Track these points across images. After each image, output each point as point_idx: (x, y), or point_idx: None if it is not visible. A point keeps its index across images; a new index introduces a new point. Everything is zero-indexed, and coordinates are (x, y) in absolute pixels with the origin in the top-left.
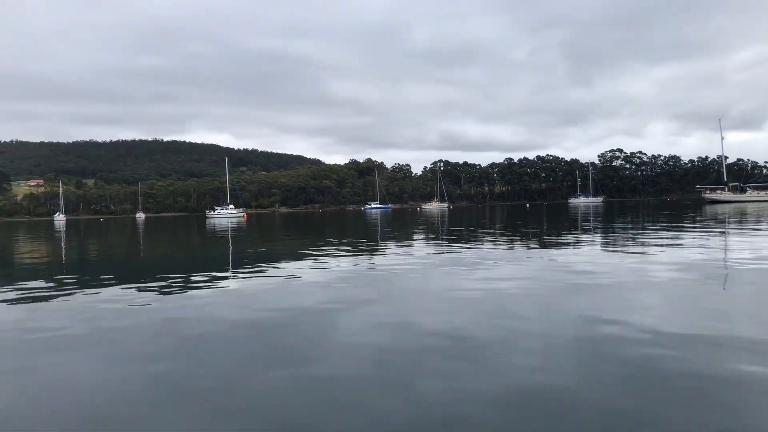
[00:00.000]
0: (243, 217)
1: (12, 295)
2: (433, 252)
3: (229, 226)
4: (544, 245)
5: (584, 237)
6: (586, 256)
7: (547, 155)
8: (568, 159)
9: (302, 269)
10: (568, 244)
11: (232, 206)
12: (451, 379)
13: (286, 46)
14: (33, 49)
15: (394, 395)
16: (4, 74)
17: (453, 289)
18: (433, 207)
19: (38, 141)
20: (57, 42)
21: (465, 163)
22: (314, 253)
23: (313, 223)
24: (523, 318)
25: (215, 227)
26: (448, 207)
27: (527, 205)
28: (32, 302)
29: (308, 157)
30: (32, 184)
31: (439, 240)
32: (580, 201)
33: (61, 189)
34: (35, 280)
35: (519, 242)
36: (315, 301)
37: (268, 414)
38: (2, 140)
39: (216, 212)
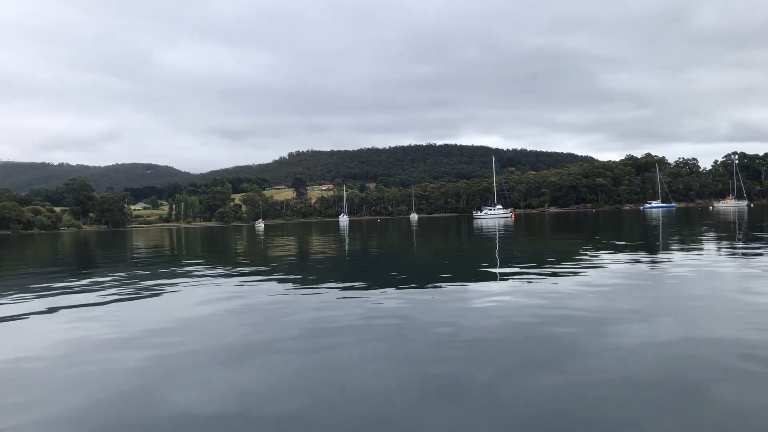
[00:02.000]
0: (510, 217)
1: (302, 285)
2: (732, 255)
3: (496, 226)
4: None
5: None
6: None
7: None
8: None
9: (573, 271)
10: None
11: (500, 206)
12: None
13: (558, 42)
14: (319, 66)
15: None
16: (297, 92)
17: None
18: (729, 205)
19: (329, 150)
20: (340, 59)
21: (766, 154)
22: (587, 254)
23: (586, 222)
24: None
25: (482, 227)
26: (748, 205)
27: None
28: (323, 293)
29: (579, 154)
30: (323, 188)
31: (747, 243)
32: None
33: (344, 192)
34: (323, 272)
35: None
36: (579, 308)
37: (542, 417)
38: (301, 150)
39: (483, 213)
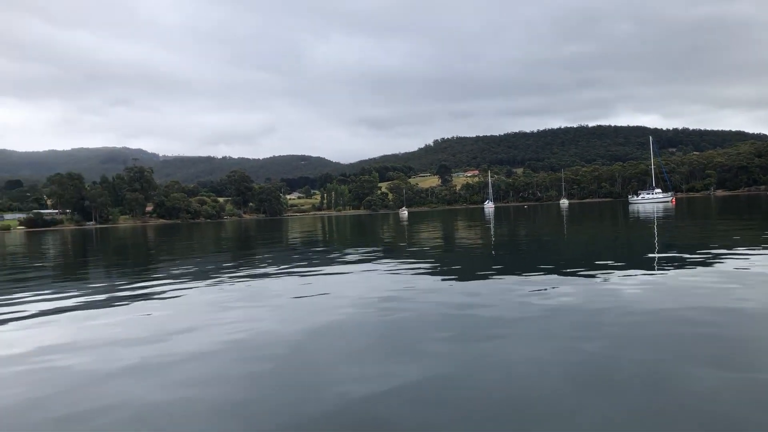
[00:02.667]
0: (671, 201)
1: (446, 272)
2: None
3: (654, 210)
4: None
5: None
6: None
7: None
8: None
9: (744, 260)
10: None
11: (658, 190)
12: None
13: (724, 10)
14: (464, 52)
15: None
16: (442, 79)
17: None
18: None
19: (474, 135)
20: (485, 42)
21: None
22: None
23: (759, 207)
24: None
25: (639, 212)
26: None
27: None
28: (471, 280)
29: (749, 132)
30: (468, 174)
31: None
32: None
33: (489, 178)
34: (468, 260)
35: None
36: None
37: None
38: (446, 137)
39: (639, 197)
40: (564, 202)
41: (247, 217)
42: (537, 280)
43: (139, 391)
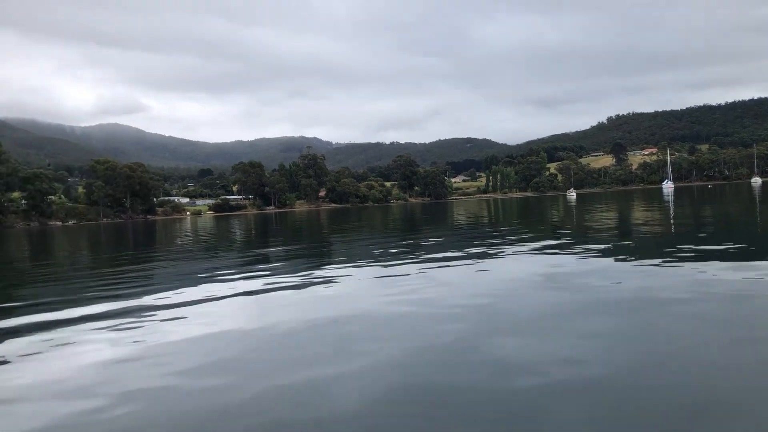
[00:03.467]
0: None
1: (617, 255)
2: None
3: None
4: None
5: None
6: None
7: None
8: None
9: None
10: None
11: None
12: None
13: None
14: (639, 22)
15: None
16: (615, 52)
17: None
18: None
19: (652, 111)
20: (662, 9)
21: None
22: None
23: None
24: None
25: None
26: None
27: None
28: (641, 265)
29: None
30: (645, 153)
31: None
32: None
33: (668, 156)
34: (640, 244)
35: None
36: None
37: None
38: (620, 114)
39: None
40: (756, 181)
41: (412, 200)
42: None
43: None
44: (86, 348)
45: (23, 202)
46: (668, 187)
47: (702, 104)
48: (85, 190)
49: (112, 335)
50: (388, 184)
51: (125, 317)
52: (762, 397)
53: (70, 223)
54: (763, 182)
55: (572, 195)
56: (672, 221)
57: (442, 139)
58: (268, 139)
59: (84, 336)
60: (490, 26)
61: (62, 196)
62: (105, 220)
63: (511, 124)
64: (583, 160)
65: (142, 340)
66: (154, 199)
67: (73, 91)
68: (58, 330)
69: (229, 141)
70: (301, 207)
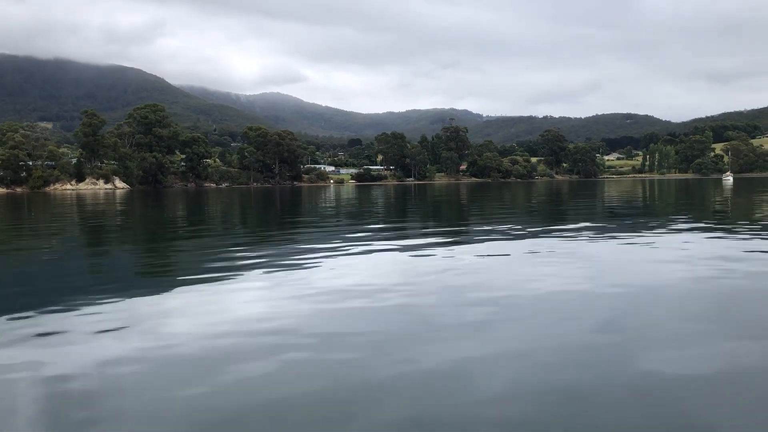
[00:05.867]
0: None
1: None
2: None
3: None
4: None
5: None
6: None
7: None
8: None
9: None
10: None
11: None
12: None
13: None
14: None
15: None
16: None
17: None
18: None
19: None
20: None
21: None
22: None
23: None
24: None
25: None
26: None
27: None
28: None
29: None
30: None
31: None
32: None
33: None
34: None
35: None
36: None
37: None
38: None
39: None
40: None
41: (558, 178)
42: None
43: None
44: None
45: (182, 164)
46: None
47: None
48: (238, 155)
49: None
50: (534, 159)
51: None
52: None
53: (223, 185)
54: None
55: (728, 180)
56: None
57: (599, 114)
58: (419, 110)
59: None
60: None
61: (217, 160)
62: (255, 184)
63: (678, 101)
64: (756, 142)
65: None
66: (301, 166)
67: (240, 61)
68: None
69: (381, 112)
70: (440, 180)
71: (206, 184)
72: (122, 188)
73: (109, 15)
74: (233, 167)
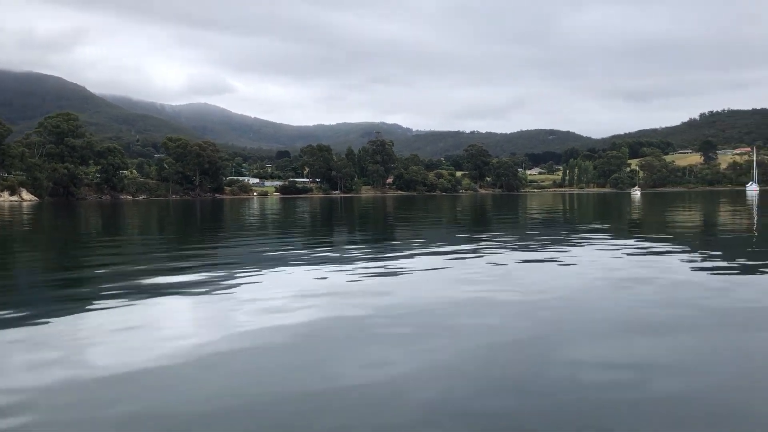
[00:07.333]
0: None
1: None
2: None
3: None
4: None
5: None
6: None
7: None
8: None
9: None
10: None
11: None
12: None
13: None
14: (743, 13)
15: None
16: (718, 45)
17: None
18: None
19: (750, 108)
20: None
21: None
22: None
23: None
24: None
25: None
26: None
27: None
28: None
29: None
30: (737, 152)
31: None
32: None
33: (754, 157)
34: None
35: None
36: None
37: None
38: (714, 110)
39: None
40: None
41: (482, 191)
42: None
43: None
44: None
45: (97, 175)
46: (752, 190)
47: None
48: (156, 167)
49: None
50: (459, 173)
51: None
52: None
53: (140, 198)
54: None
55: (636, 194)
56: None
57: (524, 129)
58: (350, 123)
59: None
60: (580, 15)
61: (134, 171)
62: (174, 196)
63: (598, 117)
64: (669, 158)
65: None
66: (223, 178)
67: (165, 71)
68: None
69: (311, 124)
70: (367, 193)
71: (122, 197)
72: (30, 200)
73: (26, 21)
74: (152, 179)
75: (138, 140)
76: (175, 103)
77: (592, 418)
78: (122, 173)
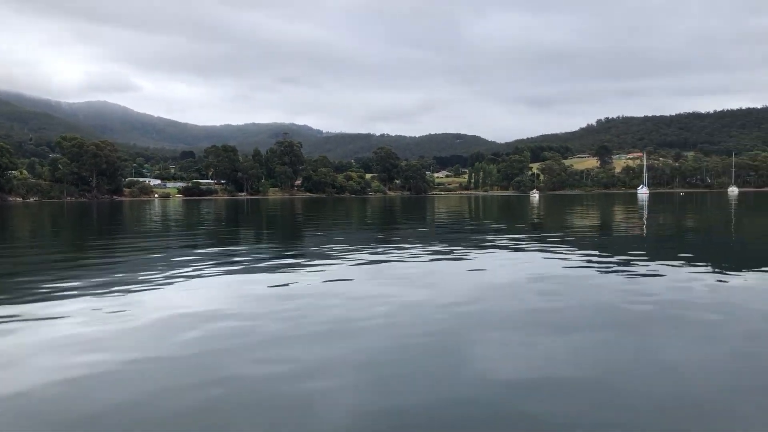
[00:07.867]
0: None
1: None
2: None
3: None
4: None
5: None
6: None
7: None
8: None
9: None
10: None
11: None
12: None
13: None
14: (638, 27)
15: None
16: (612, 55)
17: None
18: None
19: (642, 116)
20: (659, 16)
21: None
22: None
23: None
24: None
25: None
26: None
27: None
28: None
29: None
30: (630, 156)
31: None
32: None
33: (645, 161)
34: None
35: None
36: None
37: None
38: (610, 117)
39: None
40: (733, 190)
41: (391, 193)
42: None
43: None
44: None
45: None
46: (643, 192)
47: (692, 111)
48: (49, 167)
49: None
50: (368, 175)
51: None
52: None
53: (31, 200)
54: (740, 192)
55: (535, 196)
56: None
57: (432, 133)
58: (259, 124)
59: None
60: (483, 23)
61: (24, 172)
62: (69, 198)
63: (503, 122)
64: (568, 162)
65: None
66: (123, 180)
67: (61, 67)
68: None
69: (218, 124)
70: (275, 195)
71: (11, 198)
72: None
73: None
74: (44, 180)
75: (31, 139)
76: (72, 100)
77: (503, 405)
78: (11, 173)
